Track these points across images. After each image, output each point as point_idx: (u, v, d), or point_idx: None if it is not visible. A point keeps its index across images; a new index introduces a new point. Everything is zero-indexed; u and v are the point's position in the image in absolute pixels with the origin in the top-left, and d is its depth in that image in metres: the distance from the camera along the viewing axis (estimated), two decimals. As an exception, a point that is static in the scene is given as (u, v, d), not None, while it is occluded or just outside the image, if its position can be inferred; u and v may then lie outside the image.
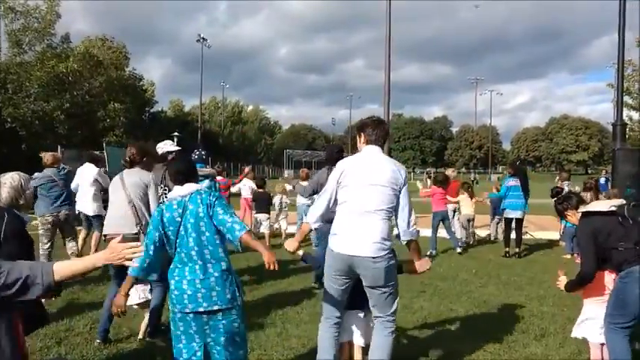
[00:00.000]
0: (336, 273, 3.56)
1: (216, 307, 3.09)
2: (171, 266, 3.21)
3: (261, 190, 10.64)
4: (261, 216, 10.39)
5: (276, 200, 11.16)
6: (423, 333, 5.14)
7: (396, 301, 3.66)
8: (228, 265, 3.18)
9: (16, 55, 30.52)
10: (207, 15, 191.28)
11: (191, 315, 3.11)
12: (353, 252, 3.43)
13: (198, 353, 3.15)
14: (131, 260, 2.24)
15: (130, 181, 4.71)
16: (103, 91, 36.38)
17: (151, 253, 3.18)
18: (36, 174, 7.09)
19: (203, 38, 55.33)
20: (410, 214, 3.60)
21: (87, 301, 6.05)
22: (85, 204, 8.47)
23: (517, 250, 9.59)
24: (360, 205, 3.47)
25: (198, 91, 56.77)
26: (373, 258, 3.40)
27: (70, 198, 7.59)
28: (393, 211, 3.55)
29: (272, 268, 3.08)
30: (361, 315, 3.83)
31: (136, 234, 4.52)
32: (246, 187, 11.91)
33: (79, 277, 2.19)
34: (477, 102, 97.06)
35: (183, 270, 3.15)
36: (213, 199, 3.16)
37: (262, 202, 10.47)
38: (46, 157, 7.39)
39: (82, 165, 8.81)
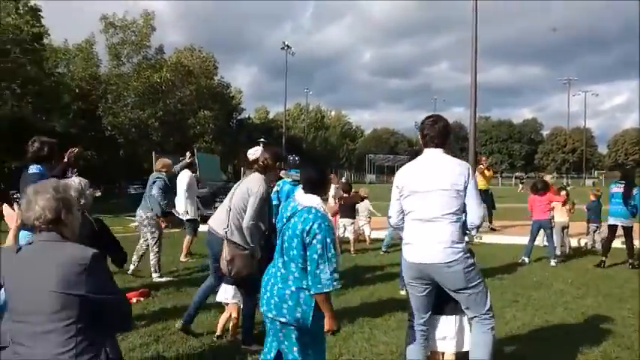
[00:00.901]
0: (413, 281, 3.52)
1: (283, 320, 3.01)
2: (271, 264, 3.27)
3: (346, 194, 10.66)
4: (346, 220, 10.42)
5: (360, 205, 11.15)
6: (517, 344, 4.93)
7: (488, 298, 3.51)
8: (309, 286, 2.98)
9: (115, 67, 32.55)
10: (292, 22, 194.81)
11: (269, 316, 3.11)
12: (425, 260, 3.38)
13: (269, 356, 3.17)
14: None
15: (241, 187, 4.65)
16: (193, 99, 37.87)
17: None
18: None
19: (287, 46, 56.56)
20: (477, 213, 3.43)
21: (182, 301, 6.30)
22: (180, 207, 8.97)
23: (630, 260, 8.98)
24: (426, 213, 3.40)
25: (282, 97, 57.85)
26: (447, 263, 3.32)
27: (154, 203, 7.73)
28: (462, 212, 3.42)
29: (329, 334, 3.05)
30: (451, 320, 3.71)
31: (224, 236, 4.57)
32: (330, 192, 12.01)
33: None
34: (569, 103, 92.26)
35: (272, 271, 3.19)
36: (318, 230, 2.94)
37: (347, 207, 10.49)
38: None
39: (181, 170, 9.31)
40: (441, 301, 3.60)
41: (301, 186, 3.28)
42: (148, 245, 7.68)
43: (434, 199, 3.37)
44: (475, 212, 3.43)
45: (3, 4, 20.97)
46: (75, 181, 3.88)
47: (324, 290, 2.89)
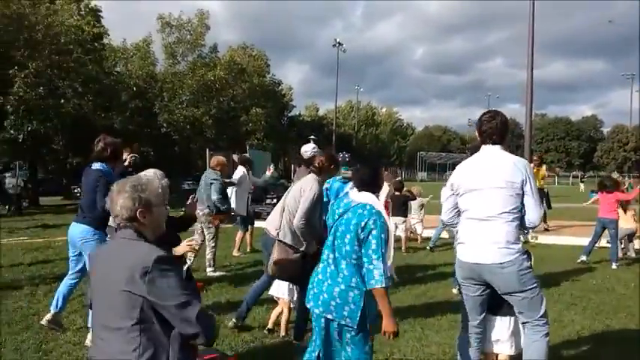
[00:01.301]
0: (467, 281, 3.44)
1: (330, 317, 3.02)
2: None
3: (398, 192, 10.58)
4: (398, 219, 10.32)
5: (413, 203, 11.03)
6: (575, 349, 4.77)
7: (543, 303, 3.36)
8: (358, 284, 2.99)
9: (171, 65, 33.38)
10: (344, 20, 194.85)
11: (316, 312, 3.11)
12: (478, 260, 3.29)
13: (314, 354, 3.17)
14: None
15: (294, 188, 4.73)
16: (246, 97, 38.35)
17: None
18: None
19: (339, 43, 56.55)
20: (536, 213, 3.31)
21: (235, 296, 6.40)
22: (235, 204, 9.12)
23: None
24: (480, 211, 3.30)
25: (332, 94, 57.78)
26: (500, 264, 3.21)
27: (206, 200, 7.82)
28: (519, 212, 3.29)
29: (387, 338, 3.01)
30: (506, 322, 3.60)
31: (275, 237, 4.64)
32: (382, 190, 11.95)
33: None
34: (632, 99, 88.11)
35: (319, 267, 3.20)
36: (374, 226, 2.96)
37: (399, 205, 10.40)
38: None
39: (236, 168, 9.49)
40: (496, 302, 3.49)
41: (353, 184, 3.32)
42: (202, 241, 7.83)
43: (490, 197, 3.28)
44: (534, 211, 3.30)
45: (66, 6, 21.81)
46: (150, 171, 3.90)
47: (377, 286, 2.88)
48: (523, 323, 3.43)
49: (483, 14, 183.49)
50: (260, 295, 5.14)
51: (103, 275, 2.19)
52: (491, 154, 3.39)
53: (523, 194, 3.27)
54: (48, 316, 4.88)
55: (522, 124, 46.15)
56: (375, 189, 3.26)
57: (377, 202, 3.13)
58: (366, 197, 3.13)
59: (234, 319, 5.03)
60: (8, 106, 18.65)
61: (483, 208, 3.29)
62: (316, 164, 4.74)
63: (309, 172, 4.77)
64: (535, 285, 3.32)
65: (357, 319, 2.95)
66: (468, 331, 3.55)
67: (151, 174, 3.89)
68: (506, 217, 3.25)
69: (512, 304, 3.37)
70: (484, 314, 3.52)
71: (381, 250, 2.92)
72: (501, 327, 3.60)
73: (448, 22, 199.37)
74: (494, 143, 3.39)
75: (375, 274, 2.89)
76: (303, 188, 4.59)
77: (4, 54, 19.41)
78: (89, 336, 4.69)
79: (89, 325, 4.85)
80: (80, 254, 4.87)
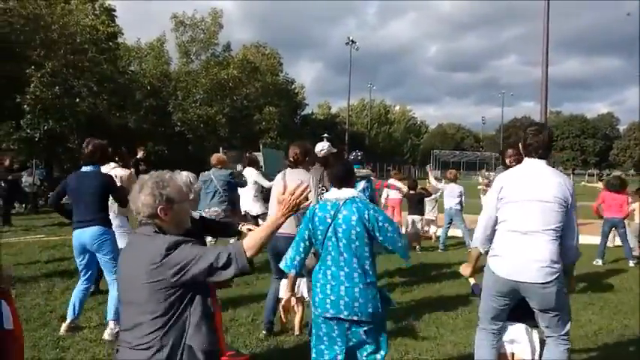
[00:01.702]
0: (498, 294, 3.32)
1: (355, 318, 3.04)
2: (316, 268, 3.23)
3: (412, 191, 10.54)
4: (415, 217, 10.32)
5: (427, 201, 10.97)
6: (593, 350, 4.71)
7: (569, 322, 3.33)
8: (374, 278, 3.12)
9: (184, 64, 33.57)
10: (357, 18, 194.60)
11: (334, 320, 3.09)
12: (519, 278, 3.16)
13: (339, 357, 3.14)
14: (307, 200, 2.34)
15: (292, 184, 4.81)
16: (259, 95, 38.46)
17: (300, 250, 3.26)
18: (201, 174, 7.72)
19: (352, 41, 56.30)
20: (577, 235, 3.24)
21: (249, 293, 6.41)
22: (249, 204, 9.07)
23: None
24: (523, 224, 3.18)
25: (345, 93, 57.94)
26: (543, 284, 3.11)
27: (226, 198, 7.84)
28: (561, 230, 3.18)
29: None
30: (524, 328, 3.57)
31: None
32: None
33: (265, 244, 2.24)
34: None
35: (328, 274, 3.14)
36: (377, 214, 3.08)
37: (415, 203, 10.37)
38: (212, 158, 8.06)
39: (244, 168, 9.46)
40: (516, 309, 3.43)
41: (330, 183, 3.41)
42: (216, 240, 7.85)
43: (534, 210, 3.17)
44: (575, 234, 3.23)
45: (81, 6, 22.00)
46: (183, 174, 3.92)
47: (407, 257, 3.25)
48: (547, 336, 3.37)
49: (498, 11, 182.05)
50: (278, 298, 5.08)
51: (126, 273, 2.23)
52: (537, 168, 3.28)
53: (567, 213, 3.18)
54: (65, 325, 4.91)
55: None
56: (350, 183, 3.32)
57: (361, 194, 3.29)
58: (349, 192, 3.22)
59: (264, 330, 4.98)
60: (25, 105, 18.85)
61: (526, 221, 3.18)
62: (291, 157, 4.91)
63: (288, 167, 4.97)
64: (567, 303, 3.28)
65: (381, 312, 3.08)
66: (486, 331, 3.50)
67: (184, 175, 3.86)
68: (550, 233, 3.15)
69: (541, 318, 3.30)
70: (503, 320, 3.47)
71: (393, 224, 3.13)
72: (519, 332, 3.56)
73: (462, 20, 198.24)
74: (539, 157, 3.29)
75: (405, 250, 3.19)
76: (304, 176, 4.74)
77: (21, 54, 19.64)
78: (107, 331, 4.75)
79: (106, 320, 4.92)
80: (89, 261, 4.93)
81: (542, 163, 3.28)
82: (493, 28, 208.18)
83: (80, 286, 5.03)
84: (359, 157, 6.30)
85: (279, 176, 5.03)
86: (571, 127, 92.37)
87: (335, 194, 3.24)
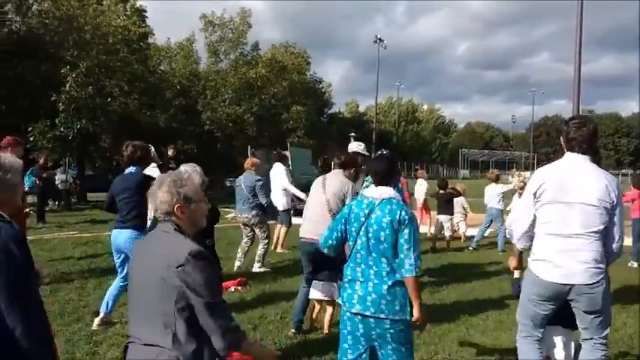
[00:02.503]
0: (541, 299, 3.23)
1: (382, 316, 3.02)
2: (347, 264, 3.22)
3: (442, 191, 10.46)
4: (444, 217, 10.22)
5: (456, 201, 10.86)
6: (629, 354, 4.60)
7: (610, 326, 3.26)
8: (400, 278, 3.07)
9: (213, 63, 33.81)
10: (385, 16, 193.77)
11: (359, 317, 3.08)
12: (567, 280, 3.08)
13: (364, 355, 3.13)
14: None
15: (331, 190, 4.83)
16: (287, 94, 38.49)
17: (334, 235, 3.28)
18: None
19: (380, 39, 56.07)
20: (621, 237, 3.15)
21: (278, 291, 6.44)
22: (277, 198, 9.18)
23: None
24: (566, 227, 3.08)
25: (373, 91, 57.33)
26: (590, 285, 3.05)
27: (255, 204, 7.83)
28: (605, 230, 3.09)
29: (416, 323, 3.05)
30: (561, 331, 3.49)
31: None
32: (421, 187, 11.88)
33: None
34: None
35: (357, 271, 3.14)
36: (406, 218, 3.03)
37: (444, 203, 10.29)
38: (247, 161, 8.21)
39: (271, 165, 9.59)
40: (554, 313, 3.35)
41: (371, 180, 3.34)
42: (251, 242, 7.94)
43: (576, 213, 3.07)
44: (620, 238, 3.14)
45: (113, 7, 22.36)
46: (193, 167, 4.06)
47: (407, 275, 2.98)
48: (584, 339, 3.29)
49: (530, 7, 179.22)
50: (307, 305, 5.10)
51: (141, 265, 2.26)
52: (581, 165, 3.16)
53: (612, 215, 3.09)
54: (98, 320, 5.03)
55: (569, 121, 44.78)
56: (391, 182, 3.25)
57: (398, 195, 3.19)
58: (387, 191, 3.16)
59: (293, 329, 5.01)
60: (60, 104, 19.25)
61: (570, 224, 3.09)
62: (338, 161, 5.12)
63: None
64: (610, 306, 3.22)
65: (408, 311, 3.03)
66: (529, 339, 3.38)
67: (189, 168, 4.01)
68: (594, 235, 3.08)
69: (582, 320, 3.22)
70: (544, 326, 3.39)
71: (412, 240, 3.01)
72: (556, 334, 3.49)
73: (493, 17, 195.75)
74: (583, 153, 3.17)
75: (405, 263, 2.98)
76: (343, 191, 4.82)
77: (55, 54, 20.06)
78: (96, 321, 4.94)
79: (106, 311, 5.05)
80: (125, 259, 5.01)
81: (585, 159, 3.16)
82: (525, 26, 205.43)
83: (117, 283, 5.13)
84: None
85: (319, 180, 5.03)
86: (604, 126, 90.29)
87: (373, 192, 3.20)
